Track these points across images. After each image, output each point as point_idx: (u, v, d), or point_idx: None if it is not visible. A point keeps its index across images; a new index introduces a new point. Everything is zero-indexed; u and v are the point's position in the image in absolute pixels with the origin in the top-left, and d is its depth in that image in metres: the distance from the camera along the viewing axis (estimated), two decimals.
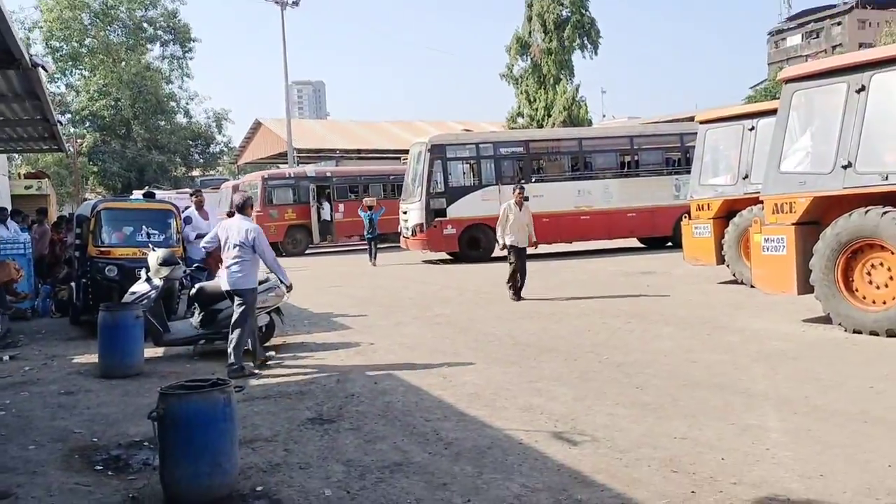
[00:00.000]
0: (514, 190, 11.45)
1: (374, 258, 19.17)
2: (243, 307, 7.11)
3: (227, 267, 7.17)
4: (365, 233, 20.04)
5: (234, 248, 7.09)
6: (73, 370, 7.54)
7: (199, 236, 10.63)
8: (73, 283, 10.41)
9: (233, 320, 7.13)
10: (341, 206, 25.32)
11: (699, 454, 4.34)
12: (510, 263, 11.27)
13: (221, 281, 7.42)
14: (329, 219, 25.16)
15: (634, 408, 5.34)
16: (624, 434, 4.76)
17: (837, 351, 6.99)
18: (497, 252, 19.06)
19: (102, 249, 9.68)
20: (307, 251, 24.87)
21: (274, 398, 6.06)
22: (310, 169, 28.02)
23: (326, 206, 25.18)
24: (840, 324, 7.75)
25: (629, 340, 7.89)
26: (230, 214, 8.82)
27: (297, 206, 24.92)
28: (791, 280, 8.21)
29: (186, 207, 11.55)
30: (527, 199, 11.45)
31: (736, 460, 4.22)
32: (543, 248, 19.11)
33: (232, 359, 7.01)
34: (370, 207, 19.84)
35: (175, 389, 4.08)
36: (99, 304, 8.01)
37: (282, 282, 7.53)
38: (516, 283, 11.19)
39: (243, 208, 7.37)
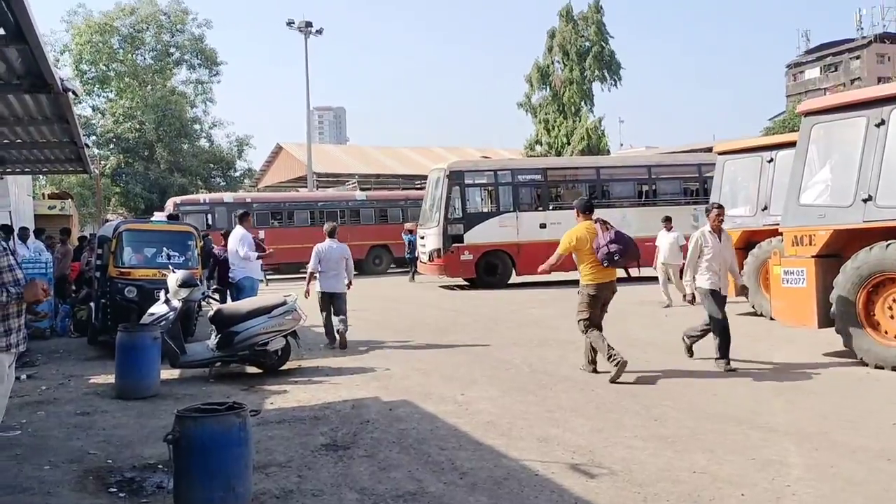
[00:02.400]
0: (707, 211, 8.10)
1: (413, 277, 21.44)
2: (342, 302, 9.93)
3: (328, 277, 9.87)
4: (405, 253, 22.02)
5: (334, 262, 9.87)
6: (90, 390, 7.58)
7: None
8: (92, 304, 10.50)
9: (339, 309, 9.83)
10: (261, 234, 23.14)
11: (718, 489, 4.27)
12: (709, 321, 7.93)
13: (321, 286, 9.89)
14: None
15: (653, 440, 5.28)
16: (642, 467, 4.69)
17: (859, 386, 6.89)
18: (514, 279, 19.16)
19: (123, 270, 9.78)
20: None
21: (288, 423, 6.05)
22: (227, 195, 27.34)
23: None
24: (861, 358, 7.64)
25: (647, 370, 7.81)
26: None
27: (211, 233, 21.89)
28: (811, 313, 8.13)
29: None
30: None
31: (756, 497, 4.15)
32: (559, 276, 19.05)
33: (342, 329, 9.79)
34: (410, 231, 21.54)
35: (191, 412, 4.09)
36: (117, 324, 8.09)
37: (350, 282, 10.10)
38: (699, 337, 8.21)
39: (332, 234, 10.05)
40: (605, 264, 7.42)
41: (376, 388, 7.35)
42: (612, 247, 7.28)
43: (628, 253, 7.40)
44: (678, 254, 13.31)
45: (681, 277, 12.98)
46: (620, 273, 8.22)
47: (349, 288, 10.16)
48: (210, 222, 24.06)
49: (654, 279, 19.08)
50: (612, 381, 7.14)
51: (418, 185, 34.48)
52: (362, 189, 34.94)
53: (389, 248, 26.09)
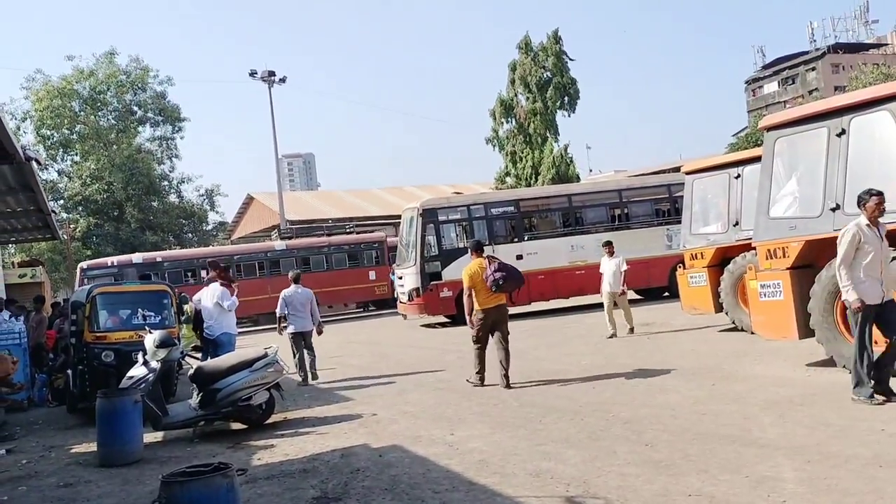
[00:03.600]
0: (860, 200, 6.53)
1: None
2: (310, 338, 11.06)
3: (297, 318, 10.91)
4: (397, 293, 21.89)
5: (300, 305, 10.94)
6: (72, 460, 7.39)
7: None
8: (69, 371, 10.28)
9: (309, 344, 11.05)
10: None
11: None
12: (858, 334, 6.48)
13: (292, 327, 10.95)
14: None
15: (646, 466, 5.24)
16: (637, 494, 4.65)
17: (844, 394, 6.89)
18: None
19: (98, 335, 9.60)
20: None
21: (277, 478, 5.93)
22: (136, 256, 26.50)
23: None
24: (844, 366, 7.67)
25: (635, 395, 7.80)
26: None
27: None
28: (791, 325, 8.20)
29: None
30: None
31: None
32: (540, 306, 19.11)
33: (311, 361, 11.06)
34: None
35: (176, 476, 3.99)
36: (96, 390, 7.92)
37: (320, 326, 11.28)
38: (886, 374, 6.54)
39: (297, 280, 11.26)
40: (494, 290, 8.98)
41: (364, 434, 7.25)
42: (497, 274, 8.93)
43: (511, 279, 9.03)
44: (620, 280, 13.07)
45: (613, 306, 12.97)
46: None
47: (320, 333, 11.09)
48: None
49: (631, 302, 19.18)
50: (469, 381, 9.30)
51: (349, 230, 33.88)
52: (335, 233, 34.80)
53: (315, 298, 24.50)
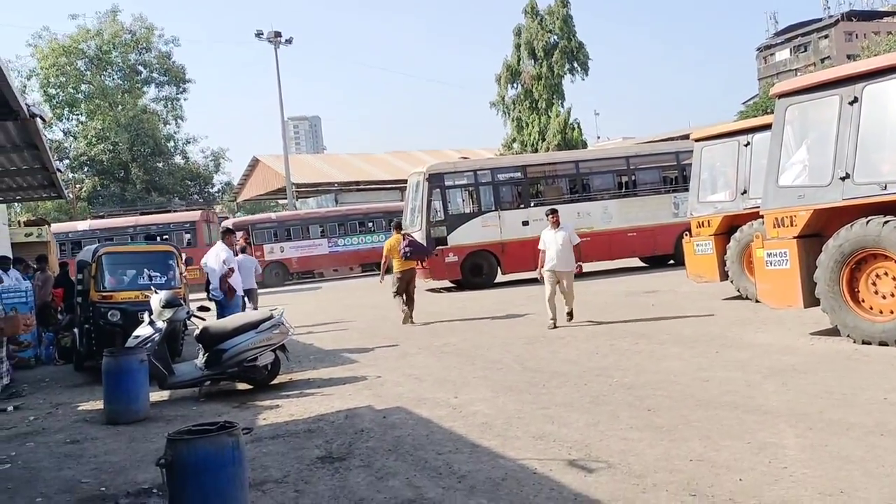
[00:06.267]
0: None
1: None
2: (255, 294, 12.66)
3: (244, 279, 11.64)
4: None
5: (247, 270, 12.15)
6: (79, 418, 7.48)
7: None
8: (76, 330, 10.36)
9: (254, 300, 12.35)
10: None
11: (716, 476, 4.27)
12: None
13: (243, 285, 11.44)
14: None
15: (648, 430, 5.27)
16: (639, 458, 4.69)
17: (848, 363, 6.93)
18: (500, 278, 19.13)
19: (104, 294, 9.66)
20: None
21: (282, 438, 5.99)
22: None
23: None
24: (848, 335, 7.70)
25: (638, 361, 7.83)
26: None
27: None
28: (796, 293, 8.18)
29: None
30: None
31: (754, 480, 4.15)
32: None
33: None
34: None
35: (182, 435, 4.02)
36: (102, 349, 7.98)
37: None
38: None
39: (244, 251, 12.83)
40: (404, 258, 12.57)
41: (369, 396, 7.31)
42: (407, 248, 12.61)
43: (416, 251, 12.82)
44: (570, 257, 10.74)
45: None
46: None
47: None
48: None
49: (636, 269, 19.19)
50: (404, 324, 12.46)
51: (175, 207, 31.32)
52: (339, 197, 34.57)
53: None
